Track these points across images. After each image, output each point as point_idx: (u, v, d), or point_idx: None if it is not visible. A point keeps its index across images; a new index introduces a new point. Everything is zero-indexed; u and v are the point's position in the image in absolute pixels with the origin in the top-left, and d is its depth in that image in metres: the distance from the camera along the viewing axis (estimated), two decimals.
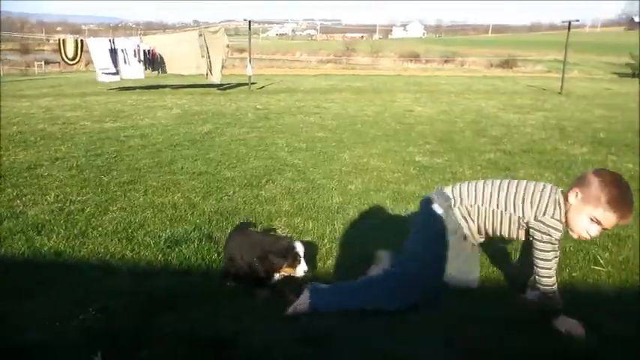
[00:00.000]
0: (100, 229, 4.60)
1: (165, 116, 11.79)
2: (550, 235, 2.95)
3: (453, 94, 18.06)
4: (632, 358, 2.83)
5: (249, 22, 21.21)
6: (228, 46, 20.42)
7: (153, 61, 20.20)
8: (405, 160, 7.58)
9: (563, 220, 2.97)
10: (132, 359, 2.72)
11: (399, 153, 8.05)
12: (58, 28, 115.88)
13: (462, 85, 21.98)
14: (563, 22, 21.60)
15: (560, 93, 18.70)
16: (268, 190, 5.92)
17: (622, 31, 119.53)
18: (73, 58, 21.71)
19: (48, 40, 53.88)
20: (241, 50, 41.27)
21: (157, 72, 20.87)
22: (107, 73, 20.55)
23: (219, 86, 20.10)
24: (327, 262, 3.99)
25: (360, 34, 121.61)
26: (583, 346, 2.83)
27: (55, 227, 4.61)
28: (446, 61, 44.94)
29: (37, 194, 5.62)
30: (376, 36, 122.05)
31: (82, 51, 21.48)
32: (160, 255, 4.05)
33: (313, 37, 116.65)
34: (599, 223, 2.89)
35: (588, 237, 2.98)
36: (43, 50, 65.37)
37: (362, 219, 5.03)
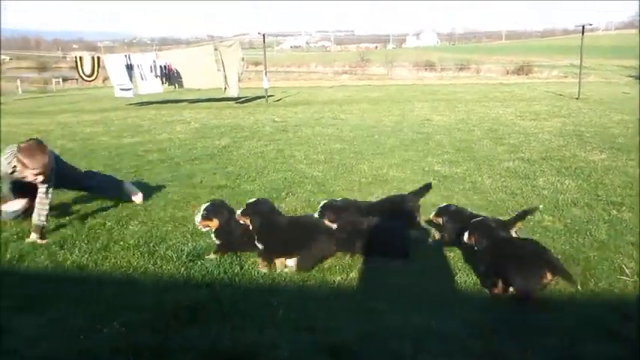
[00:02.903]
0: (121, 243, 4.63)
1: (184, 130, 11.88)
2: None
3: (469, 102, 17.95)
4: None
5: (264, 35, 21.34)
6: (243, 59, 20.57)
7: (169, 76, 20.43)
8: (424, 170, 7.53)
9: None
10: None
11: (417, 163, 8.00)
12: (75, 46, 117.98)
13: (479, 93, 21.85)
14: (576, 26, 21.33)
15: (577, 98, 18.50)
16: (289, 202, 5.91)
17: (636, 32, 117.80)
18: (90, 75, 22.08)
19: (65, 58, 54.93)
20: (256, 63, 41.53)
21: (174, 86, 21.10)
22: (124, 89, 20.84)
23: (237, 99, 20.22)
24: (350, 275, 3.96)
25: (374, 44, 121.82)
26: None
27: (77, 241, 4.66)
28: (461, 69, 44.71)
29: (59, 209, 5.67)
30: (390, 46, 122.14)
31: (99, 67, 21.83)
32: (183, 268, 4.06)
33: (327, 49, 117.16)
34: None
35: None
36: (61, 68, 66.69)
37: None
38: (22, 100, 31.00)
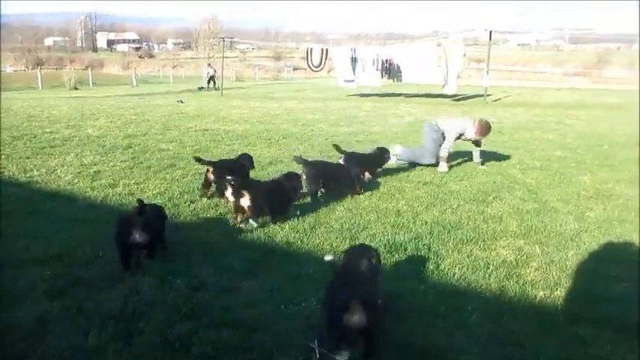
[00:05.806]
0: (327, 225, 4.87)
1: (397, 124, 12.07)
2: None
3: None
4: None
5: (490, 32, 20.56)
6: (464, 55, 20.15)
7: (390, 69, 20.93)
8: None
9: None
10: None
11: None
12: (307, 38, 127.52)
13: None
14: None
15: None
16: (495, 207, 5.64)
17: None
18: (318, 65, 23.70)
19: (297, 49, 59.97)
20: (478, 60, 40.33)
21: (392, 80, 21.58)
22: (347, 80, 21.95)
23: (454, 97, 19.90)
24: (555, 292, 3.64)
25: (617, 45, 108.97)
26: None
27: (289, 220, 4.98)
28: None
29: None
30: (637, 46, 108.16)
31: (326, 58, 23.31)
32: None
33: (559, 48, 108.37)
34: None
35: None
36: (293, 57, 73.13)
37: (600, 251, 4.48)
38: (258, 86, 34.59)
